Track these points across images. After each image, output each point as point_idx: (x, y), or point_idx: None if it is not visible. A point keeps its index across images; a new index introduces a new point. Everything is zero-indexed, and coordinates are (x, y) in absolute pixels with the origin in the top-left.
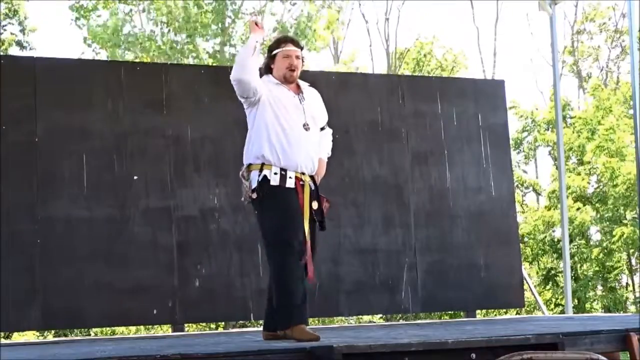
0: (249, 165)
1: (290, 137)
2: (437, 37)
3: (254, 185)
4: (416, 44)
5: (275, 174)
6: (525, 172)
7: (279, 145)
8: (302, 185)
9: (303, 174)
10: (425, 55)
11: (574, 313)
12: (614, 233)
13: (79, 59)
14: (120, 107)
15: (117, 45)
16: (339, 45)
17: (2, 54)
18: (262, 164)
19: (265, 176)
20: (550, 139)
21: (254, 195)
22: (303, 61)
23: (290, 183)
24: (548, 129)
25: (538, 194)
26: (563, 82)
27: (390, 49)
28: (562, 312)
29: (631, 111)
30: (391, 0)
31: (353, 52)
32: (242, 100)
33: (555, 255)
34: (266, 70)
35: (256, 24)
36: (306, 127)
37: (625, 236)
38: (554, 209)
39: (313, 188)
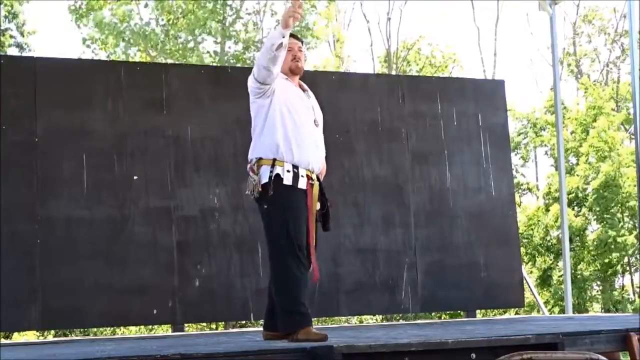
0: (260, 159)
1: (303, 132)
2: (423, 36)
3: (265, 180)
4: (402, 44)
5: (288, 171)
6: (523, 175)
7: (293, 139)
8: (312, 185)
9: (312, 172)
10: (409, 51)
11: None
12: (590, 237)
13: (79, 59)
14: (120, 107)
15: (121, 38)
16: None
17: (2, 54)
18: (274, 160)
19: (278, 174)
20: (546, 140)
21: (263, 192)
22: (305, 58)
23: (302, 183)
24: (544, 130)
25: (533, 193)
26: (562, 82)
27: (391, 49)
28: (562, 311)
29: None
30: (393, 0)
31: (341, 33)
32: (257, 87)
33: (552, 256)
34: None
35: (290, 16)
36: (316, 122)
37: (601, 236)
38: (547, 210)
39: (318, 189)
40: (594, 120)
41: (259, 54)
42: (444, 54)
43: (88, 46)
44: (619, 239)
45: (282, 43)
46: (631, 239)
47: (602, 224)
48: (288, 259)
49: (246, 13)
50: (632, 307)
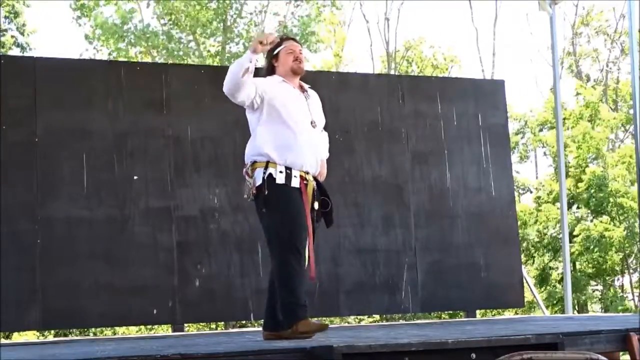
0: (254, 162)
1: (297, 134)
2: (424, 37)
3: (259, 182)
4: (405, 43)
5: (281, 172)
6: (517, 172)
7: (285, 143)
8: (306, 185)
9: (307, 173)
10: (407, 51)
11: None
12: (575, 232)
13: (79, 58)
14: (120, 107)
15: (122, 38)
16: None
17: (2, 54)
18: (267, 162)
19: (270, 174)
20: (544, 140)
21: (258, 193)
22: (306, 60)
23: (295, 182)
24: (542, 130)
25: (528, 191)
26: (562, 82)
27: (390, 49)
28: (558, 311)
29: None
30: (391, 0)
31: (341, 36)
32: (240, 104)
33: (549, 255)
34: (269, 71)
35: (261, 42)
36: (313, 124)
37: (593, 235)
38: (541, 209)
39: (316, 188)
40: (591, 121)
41: (226, 78)
42: (446, 56)
43: (90, 42)
44: (606, 234)
45: (248, 68)
46: (619, 232)
47: (594, 221)
48: (287, 255)
49: (248, 13)
50: (623, 307)
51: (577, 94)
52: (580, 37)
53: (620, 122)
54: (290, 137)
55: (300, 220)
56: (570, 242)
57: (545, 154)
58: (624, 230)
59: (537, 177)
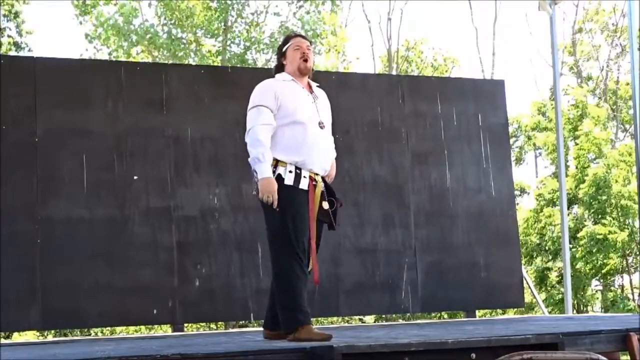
0: None
1: (306, 135)
2: (425, 39)
3: None
4: (406, 43)
5: (290, 172)
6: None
7: (293, 144)
8: (315, 186)
9: (316, 174)
10: (408, 51)
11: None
12: (579, 235)
13: (79, 59)
14: (120, 107)
15: (125, 36)
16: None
17: (2, 54)
18: (277, 161)
19: (279, 175)
20: (540, 142)
21: None
22: (313, 58)
23: (304, 184)
24: (535, 131)
25: (528, 193)
26: (563, 82)
27: (392, 48)
28: (561, 312)
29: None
30: (393, 0)
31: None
32: None
33: (549, 257)
34: (278, 69)
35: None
36: (321, 125)
37: (591, 235)
38: (540, 211)
39: (323, 189)
40: (580, 119)
41: (250, 147)
42: (446, 57)
43: (90, 41)
44: (610, 237)
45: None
46: (623, 235)
47: (596, 223)
48: (289, 257)
49: (249, 13)
50: (625, 308)
51: (566, 93)
52: (582, 34)
53: (607, 117)
54: (299, 138)
55: (303, 224)
56: (572, 244)
57: (540, 154)
58: (627, 236)
59: (537, 179)
